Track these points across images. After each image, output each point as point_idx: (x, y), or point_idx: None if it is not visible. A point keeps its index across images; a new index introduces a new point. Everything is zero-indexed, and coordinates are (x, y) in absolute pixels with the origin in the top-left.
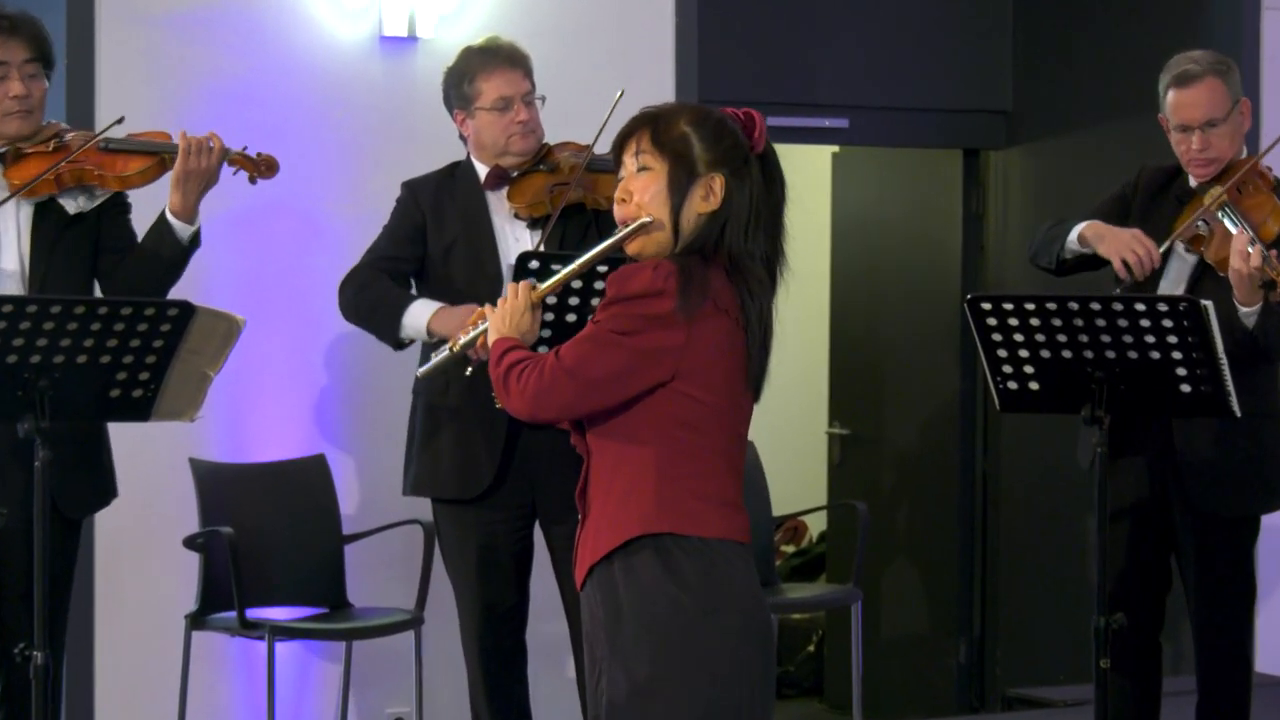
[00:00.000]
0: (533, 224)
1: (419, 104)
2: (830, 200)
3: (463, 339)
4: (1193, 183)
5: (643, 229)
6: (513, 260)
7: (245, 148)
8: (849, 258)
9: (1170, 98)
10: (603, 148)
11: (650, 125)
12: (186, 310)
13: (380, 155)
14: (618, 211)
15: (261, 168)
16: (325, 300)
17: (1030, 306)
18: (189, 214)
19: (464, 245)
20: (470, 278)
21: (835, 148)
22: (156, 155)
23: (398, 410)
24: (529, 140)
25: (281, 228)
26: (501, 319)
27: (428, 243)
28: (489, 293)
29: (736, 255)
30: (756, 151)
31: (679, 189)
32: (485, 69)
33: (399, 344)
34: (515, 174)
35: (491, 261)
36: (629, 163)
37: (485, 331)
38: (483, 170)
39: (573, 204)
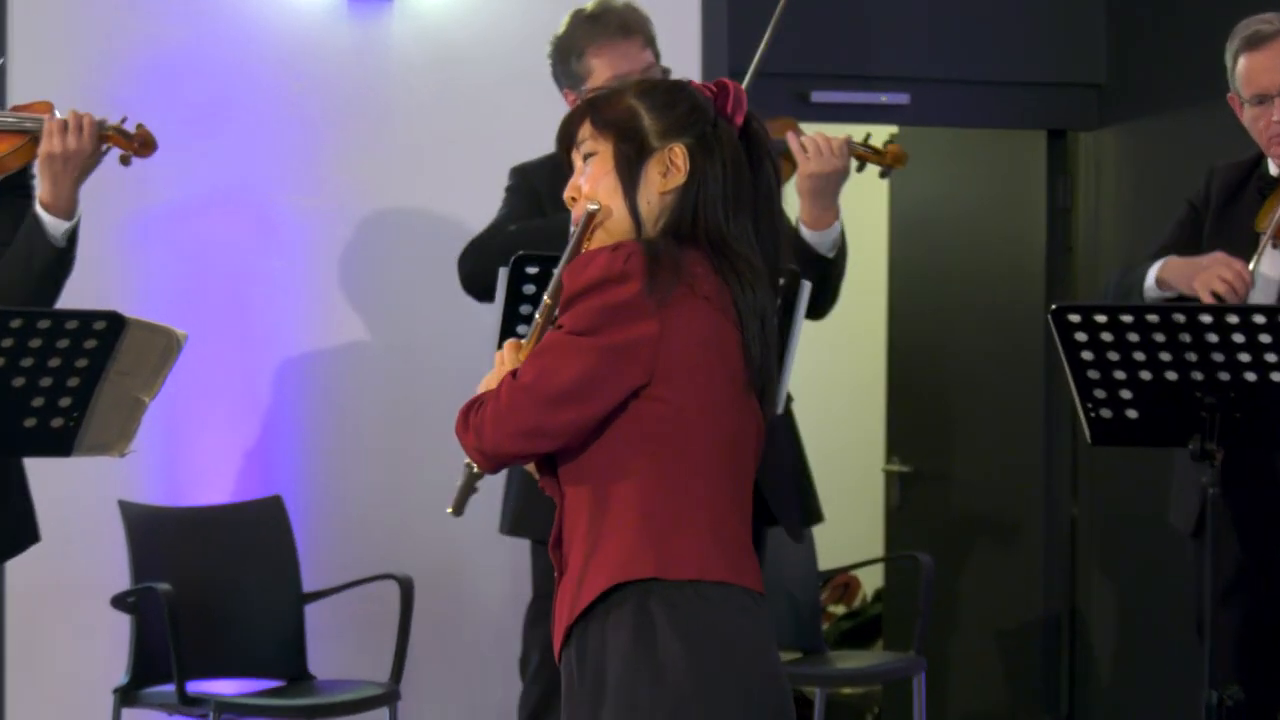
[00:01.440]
0: None
1: (395, 75)
2: (887, 192)
3: None
4: (1274, 169)
5: (592, 221)
6: None
7: (124, 120)
8: (910, 260)
9: (1241, 65)
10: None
11: (589, 110)
12: (116, 323)
13: (348, 137)
14: (574, 218)
15: (135, 144)
16: (281, 310)
17: (1127, 319)
18: (63, 206)
19: None
20: None
21: (894, 128)
22: (27, 134)
23: (368, 442)
24: None
25: (228, 224)
26: (496, 369)
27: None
28: None
29: (717, 236)
30: (736, 125)
31: (628, 168)
32: (594, 41)
33: None
34: None
35: None
36: (575, 161)
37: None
38: None
39: None
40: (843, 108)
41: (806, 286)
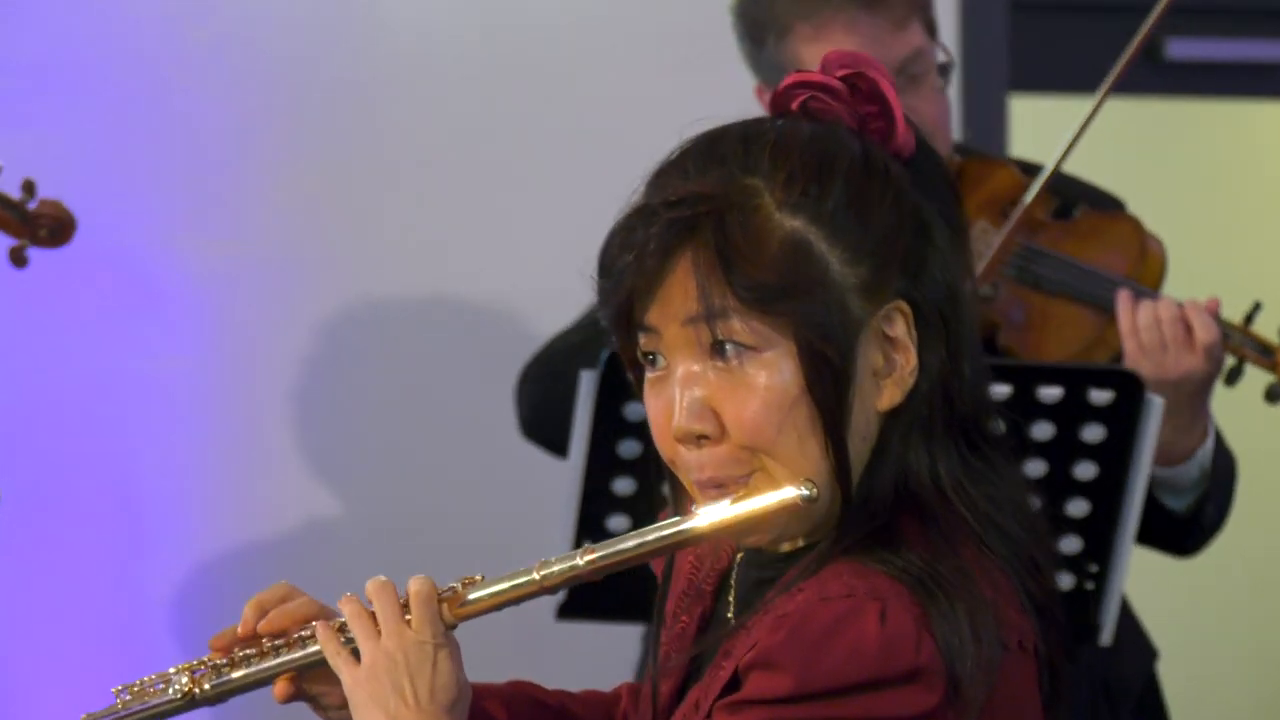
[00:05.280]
0: None
1: (379, 63)
2: None
3: (254, 667)
4: None
5: (789, 510)
6: None
7: None
8: None
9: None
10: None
11: (707, 232)
12: None
13: (279, 136)
14: (690, 468)
15: (41, 230)
16: (162, 443)
17: None
18: None
19: None
20: None
21: None
22: None
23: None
24: None
25: (73, 287)
26: (380, 674)
27: None
28: None
29: (961, 485)
30: (903, 156)
31: (836, 385)
32: (810, 13)
33: None
34: None
35: None
36: (677, 339)
37: (315, 662)
38: None
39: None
40: (1223, 69)
41: (1155, 406)
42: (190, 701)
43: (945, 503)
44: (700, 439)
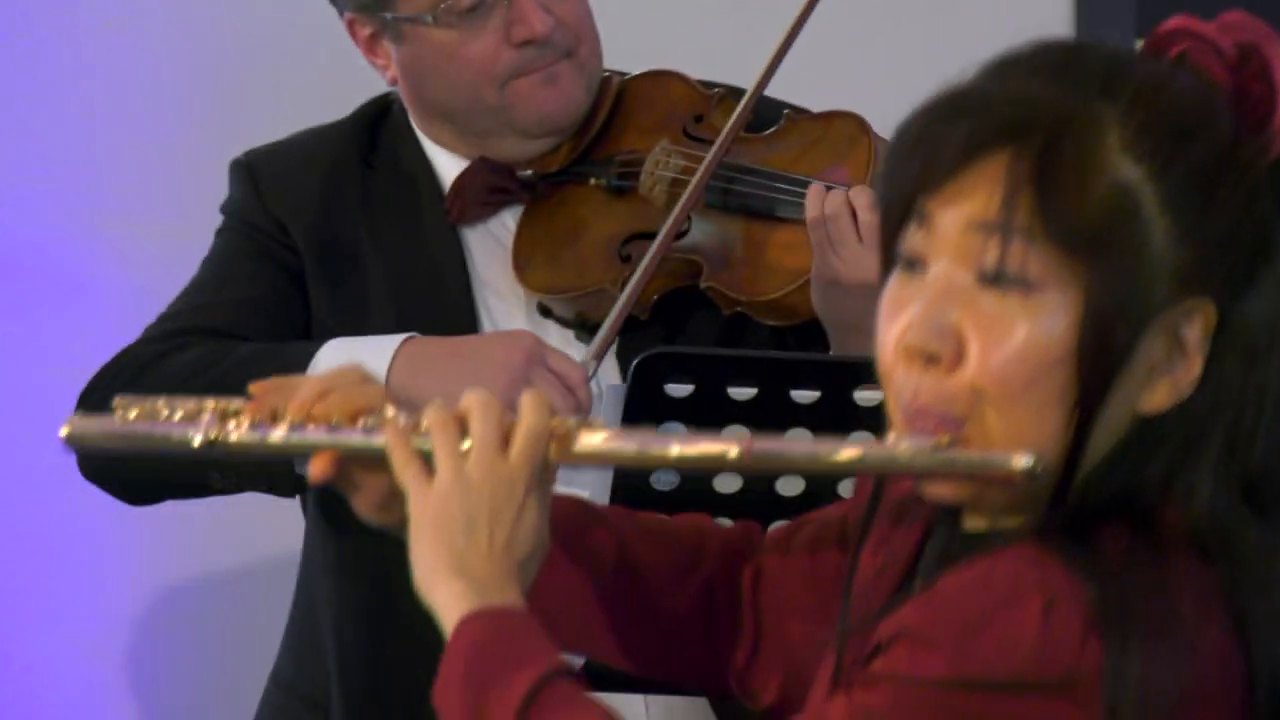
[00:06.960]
0: (581, 325)
1: (310, 34)
2: None
3: (297, 433)
4: None
5: (1000, 478)
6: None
7: None
8: None
9: None
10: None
11: (1038, 141)
12: None
13: (230, 138)
14: (903, 390)
15: None
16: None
17: None
18: None
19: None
20: None
21: None
22: None
23: None
24: (557, 92)
25: None
26: (453, 503)
27: (310, 311)
28: None
29: (1224, 514)
30: (1270, 152)
31: (1111, 359)
32: None
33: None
34: (534, 180)
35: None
36: (952, 240)
37: (372, 454)
38: (448, 166)
39: (673, 290)
40: None
41: None
42: (208, 447)
43: (1166, 518)
44: (930, 360)
